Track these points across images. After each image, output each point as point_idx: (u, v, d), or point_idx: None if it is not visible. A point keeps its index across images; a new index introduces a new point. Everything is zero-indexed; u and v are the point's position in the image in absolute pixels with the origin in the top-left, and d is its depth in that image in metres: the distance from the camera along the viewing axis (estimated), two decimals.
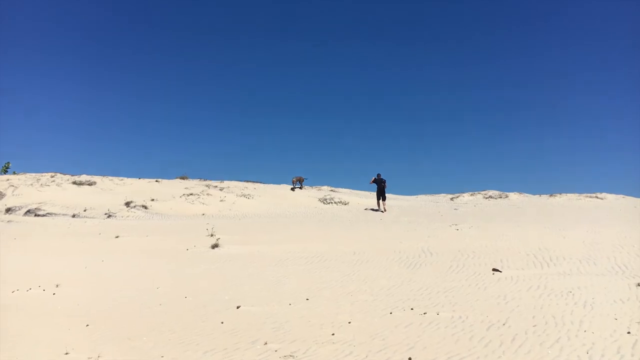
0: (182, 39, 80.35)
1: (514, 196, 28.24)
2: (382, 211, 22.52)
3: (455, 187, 68.77)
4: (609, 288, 8.48)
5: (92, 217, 20.01)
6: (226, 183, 28.31)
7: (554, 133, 72.43)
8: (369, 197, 25.95)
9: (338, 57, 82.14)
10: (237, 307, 8.06)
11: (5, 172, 29.46)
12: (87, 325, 7.32)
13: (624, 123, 68.17)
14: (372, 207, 23.61)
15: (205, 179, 29.56)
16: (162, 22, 79.52)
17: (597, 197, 26.88)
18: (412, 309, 7.72)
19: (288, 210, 23.24)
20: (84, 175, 27.06)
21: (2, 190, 23.26)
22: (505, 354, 5.79)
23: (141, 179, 28.29)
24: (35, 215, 20.09)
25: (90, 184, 25.67)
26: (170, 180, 28.87)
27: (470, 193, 29.10)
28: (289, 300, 8.45)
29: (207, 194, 24.87)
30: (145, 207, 22.16)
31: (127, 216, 20.65)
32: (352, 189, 30.43)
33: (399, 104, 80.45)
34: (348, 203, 25.21)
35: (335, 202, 25.22)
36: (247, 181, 29.87)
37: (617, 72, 69.53)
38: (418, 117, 79.98)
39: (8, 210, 20.80)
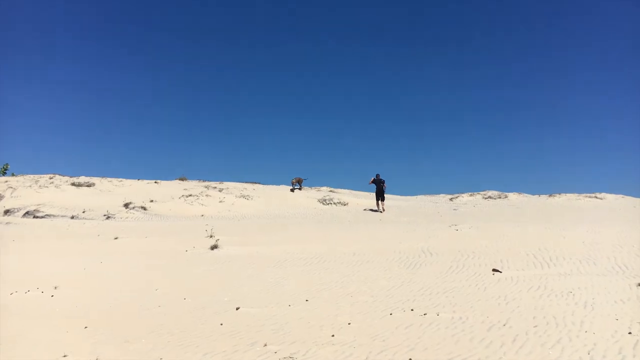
0: (180, 39, 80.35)
1: (513, 196, 28.25)
2: (380, 211, 22.51)
3: (454, 187, 68.86)
4: (610, 288, 8.45)
5: (91, 219, 19.97)
6: (225, 184, 28.28)
7: (553, 133, 72.55)
8: (368, 198, 25.93)
9: (338, 57, 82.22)
10: (237, 309, 8.03)
11: (4, 173, 29.40)
12: (86, 327, 7.27)
13: (623, 123, 68.34)
14: (371, 208, 23.60)
15: (204, 180, 29.54)
16: (160, 23, 79.51)
17: (596, 197, 26.89)
18: (412, 309, 7.68)
19: (287, 211, 23.21)
20: (83, 177, 27.02)
21: (0, 192, 23.20)
22: (506, 355, 5.76)
23: (140, 180, 28.26)
24: (34, 216, 20.04)
25: (89, 185, 25.62)
26: (169, 182, 28.84)
27: (470, 193, 29.11)
28: (289, 301, 8.42)
29: (206, 195, 24.83)
30: (144, 209, 22.11)
31: (126, 217, 20.61)
32: (352, 189, 30.44)
33: (398, 104, 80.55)
34: (347, 204, 25.19)
35: (334, 203, 25.21)
36: (246, 182, 29.86)
37: (617, 73, 69.65)
38: (417, 118, 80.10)
39: (6, 212, 20.74)
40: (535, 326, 6.66)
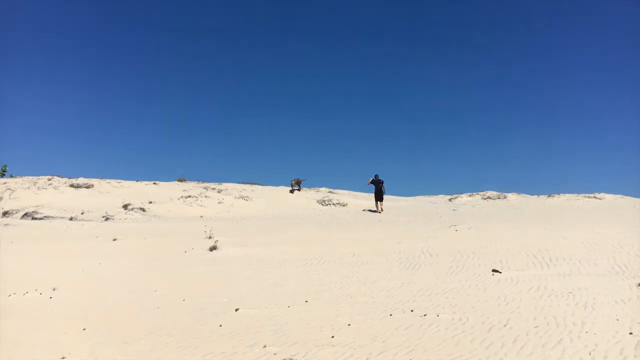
0: (179, 40, 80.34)
1: (512, 197, 28.23)
2: (379, 212, 22.49)
3: (453, 187, 68.84)
4: (610, 289, 8.44)
5: (90, 220, 19.92)
6: (224, 185, 28.24)
7: (552, 133, 72.61)
8: (368, 199, 25.91)
9: (338, 57, 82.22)
10: (236, 310, 8.00)
11: (3, 175, 29.34)
12: (84, 329, 7.24)
13: (622, 123, 68.40)
14: (370, 209, 23.57)
15: (203, 181, 29.49)
16: (159, 23, 79.50)
17: (595, 198, 26.87)
18: (412, 310, 7.66)
19: (286, 212, 23.18)
20: (82, 178, 26.96)
21: None
22: (507, 356, 5.74)
23: (139, 182, 28.19)
24: (33, 218, 19.99)
25: (88, 186, 25.56)
26: (168, 183, 28.78)
27: (469, 194, 29.09)
28: (288, 302, 8.39)
29: (205, 196, 24.79)
30: (143, 210, 22.07)
31: (125, 219, 20.56)
32: (351, 190, 30.41)
33: (397, 105, 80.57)
34: (346, 204, 25.17)
35: (333, 204, 25.18)
36: (245, 183, 29.81)
37: (617, 73, 69.76)
38: (416, 118, 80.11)
39: (5, 213, 20.69)
40: (536, 327, 6.64)
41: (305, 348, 6.22)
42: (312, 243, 14.25)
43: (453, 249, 12.35)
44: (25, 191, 23.55)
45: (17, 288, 9.46)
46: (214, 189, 26.89)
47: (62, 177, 26.91)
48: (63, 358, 6.16)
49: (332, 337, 6.58)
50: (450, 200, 28.10)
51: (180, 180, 29.75)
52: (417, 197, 30.52)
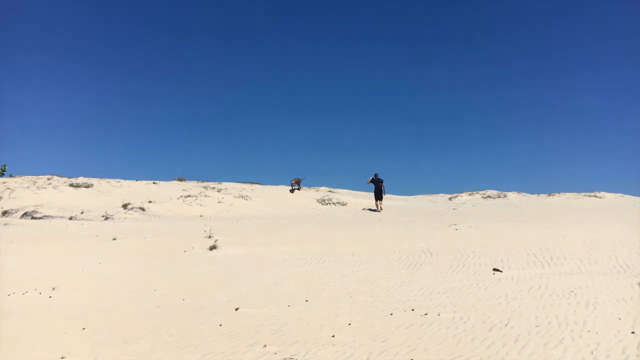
0: (179, 39, 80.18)
1: (512, 196, 28.22)
2: (379, 211, 22.47)
3: (453, 187, 68.85)
4: (611, 287, 8.41)
5: (89, 220, 19.89)
6: (224, 184, 28.21)
7: (552, 132, 72.50)
8: (367, 198, 25.89)
9: (338, 56, 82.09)
10: (236, 309, 7.97)
11: (2, 174, 29.29)
12: (84, 329, 7.20)
13: (622, 122, 68.35)
14: (370, 208, 23.55)
15: (202, 181, 29.45)
16: (158, 23, 79.37)
17: (595, 196, 26.86)
18: (412, 309, 7.63)
19: (286, 211, 23.15)
20: (81, 178, 26.92)
21: None
22: (508, 355, 5.71)
23: (138, 181, 28.17)
24: (32, 218, 19.96)
25: (87, 186, 25.53)
26: (168, 182, 28.75)
27: (469, 193, 29.07)
28: (288, 301, 8.36)
29: (205, 196, 24.76)
30: (143, 209, 22.04)
31: (125, 218, 20.53)
32: (351, 189, 30.38)
33: (397, 104, 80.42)
34: (346, 204, 25.14)
35: (333, 203, 25.16)
36: (245, 182, 29.78)
37: (617, 73, 69.70)
38: (416, 117, 79.94)
39: (4, 213, 20.66)
40: (537, 326, 6.61)
41: (305, 347, 6.19)
42: (312, 242, 14.23)
43: (453, 248, 12.32)
44: (24, 191, 23.52)
45: (16, 287, 9.42)
46: (214, 188, 26.86)
47: (62, 177, 26.88)
48: (62, 358, 6.13)
49: (333, 336, 6.55)
50: (450, 199, 28.08)
51: (180, 180, 29.72)
52: (417, 196, 30.50)
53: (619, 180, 59.51)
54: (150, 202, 23.02)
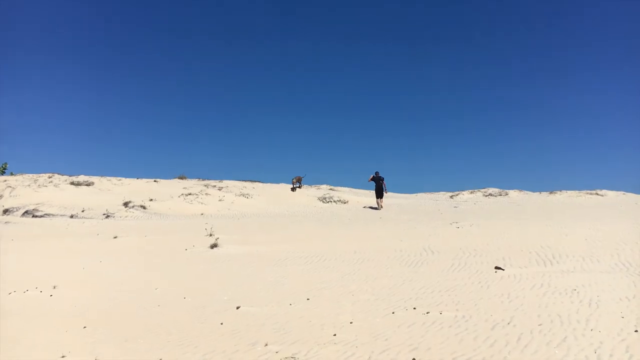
0: (179, 39, 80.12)
1: (513, 194, 28.17)
2: (379, 209, 22.44)
3: (454, 185, 68.82)
4: (614, 285, 8.36)
5: (90, 218, 19.88)
6: (225, 182, 28.19)
7: (553, 131, 72.51)
8: (369, 196, 25.85)
9: (338, 56, 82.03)
10: (237, 308, 7.94)
11: (3, 172, 29.31)
12: (85, 327, 7.19)
13: (623, 120, 68.26)
14: (371, 206, 23.51)
15: (203, 179, 29.45)
16: (158, 23, 79.28)
17: (597, 194, 26.81)
18: (414, 308, 7.59)
19: (287, 209, 23.13)
20: (82, 176, 26.92)
21: None
22: (511, 354, 5.67)
23: (139, 179, 28.16)
24: (33, 216, 19.95)
25: (88, 184, 25.52)
26: (169, 180, 28.75)
27: (470, 191, 29.04)
28: (289, 300, 8.33)
29: (206, 194, 24.74)
30: (144, 207, 22.02)
31: (126, 216, 20.52)
32: (352, 187, 30.37)
33: (398, 103, 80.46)
34: (347, 202, 25.11)
35: (334, 201, 25.12)
36: (246, 180, 29.76)
37: (617, 72, 69.60)
38: (417, 116, 80.00)
39: (5, 211, 20.65)
40: (540, 324, 6.56)
41: (306, 346, 6.16)
42: (313, 240, 14.20)
43: (455, 246, 12.28)
44: (25, 189, 23.51)
45: (17, 286, 9.41)
46: (215, 186, 26.84)
47: (63, 175, 26.88)
48: (63, 357, 6.10)
49: (334, 335, 6.52)
50: (451, 197, 28.04)
51: (181, 178, 29.73)
52: (418, 194, 30.47)
53: (621, 178, 59.48)
54: (151, 200, 23.00)
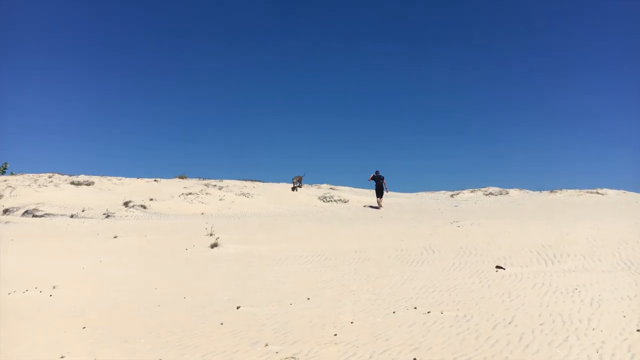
0: (179, 39, 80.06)
1: (514, 192, 28.14)
2: (379, 208, 22.42)
3: (455, 184, 68.76)
4: (616, 285, 8.33)
5: (91, 218, 19.85)
6: (225, 182, 28.17)
7: (553, 130, 72.50)
8: (369, 195, 25.82)
9: (338, 57, 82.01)
10: (237, 308, 7.91)
11: (3, 172, 29.28)
12: (84, 328, 7.16)
13: (624, 119, 68.21)
14: (371, 205, 23.49)
15: (204, 178, 29.43)
16: (158, 23, 79.22)
17: (597, 193, 26.78)
18: (415, 307, 7.56)
19: (287, 208, 23.10)
20: (82, 176, 26.90)
21: None
22: (513, 354, 5.64)
23: (139, 179, 28.14)
24: (33, 216, 19.93)
25: (89, 184, 25.50)
26: (169, 180, 28.73)
27: (471, 190, 29.02)
28: (290, 300, 8.30)
29: (206, 193, 24.72)
30: (144, 207, 22.00)
31: (126, 216, 20.49)
32: (352, 186, 30.35)
33: (398, 103, 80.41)
34: (348, 201, 25.09)
35: (334, 200, 25.10)
36: (246, 180, 29.74)
37: (617, 72, 69.56)
38: (417, 116, 79.92)
39: (6, 211, 20.63)
40: (542, 324, 6.54)
41: (307, 346, 6.13)
42: (313, 240, 14.18)
43: (455, 246, 12.25)
44: (25, 189, 23.49)
45: (16, 286, 9.38)
46: (215, 185, 26.81)
47: (63, 175, 26.85)
48: (62, 357, 6.08)
49: (335, 335, 6.49)
50: (452, 196, 28.02)
51: (181, 178, 29.71)
52: (419, 194, 30.45)
53: (621, 176, 59.45)
54: (151, 199, 22.98)
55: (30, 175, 26.60)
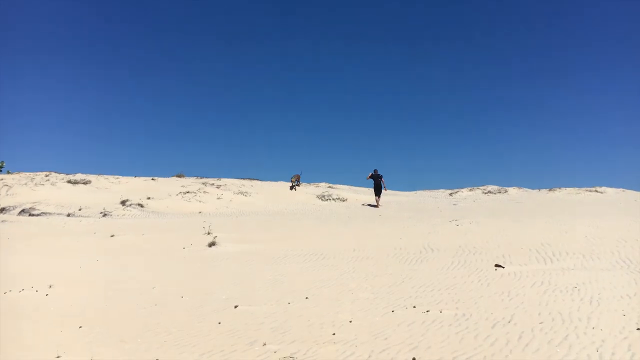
0: (178, 36, 79.85)
1: (513, 191, 28.13)
2: (377, 206, 22.38)
3: (454, 182, 68.70)
4: (615, 283, 8.30)
5: (87, 216, 19.77)
6: (223, 180, 28.09)
7: (553, 129, 72.52)
8: (367, 194, 25.78)
9: (338, 57, 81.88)
10: (235, 307, 7.86)
11: (0, 171, 29.15)
12: (81, 327, 7.10)
13: (623, 118, 68.31)
14: (370, 203, 23.44)
15: (201, 177, 29.34)
16: (158, 23, 79.01)
17: (596, 191, 26.79)
18: (414, 306, 7.52)
19: (286, 207, 23.05)
20: (79, 174, 26.79)
21: None
22: (512, 353, 5.60)
23: (137, 177, 28.04)
24: (30, 214, 19.83)
25: (85, 182, 25.40)
26: (167, 179, 28.64)
27: (469, 188, 29.01)
28: (288, 299, 8.25)
29: (204, 192, 24.64)
30: (141, 206, 21.92)
31: (123, 215, 20.42)
32: (350, 185, 30.30)
33: (398, 103, 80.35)
34: (346, 199, 25.04)
35: (333, 199, 25.06)
36: (244, 178, 29.67)
37: (617, 72, 69.61)
38: (417, 116, 79.90)
39: (2, 210, 20.53)
40: (541, 323, 6.50)
41: (305, 345, 6.09)
42: (312, 238, 14.13)
43: (454, 244, 12.22)
44: (22, 187, 23.39)
45: (13, 285, 9.31)
46: (213, 184, 26.73)
47: (60, 173, 26.74)
48: (58, 357, 6.02)
49: (333, 334, 6.45)
50: (450, 194, 28.00)
51: (179, 176, 29.63)
52: (418, 192, 30.41)
53: (620, 175, 59.51)
54: (148, 198, 22.90)
55: (27, 174, 26.49)
